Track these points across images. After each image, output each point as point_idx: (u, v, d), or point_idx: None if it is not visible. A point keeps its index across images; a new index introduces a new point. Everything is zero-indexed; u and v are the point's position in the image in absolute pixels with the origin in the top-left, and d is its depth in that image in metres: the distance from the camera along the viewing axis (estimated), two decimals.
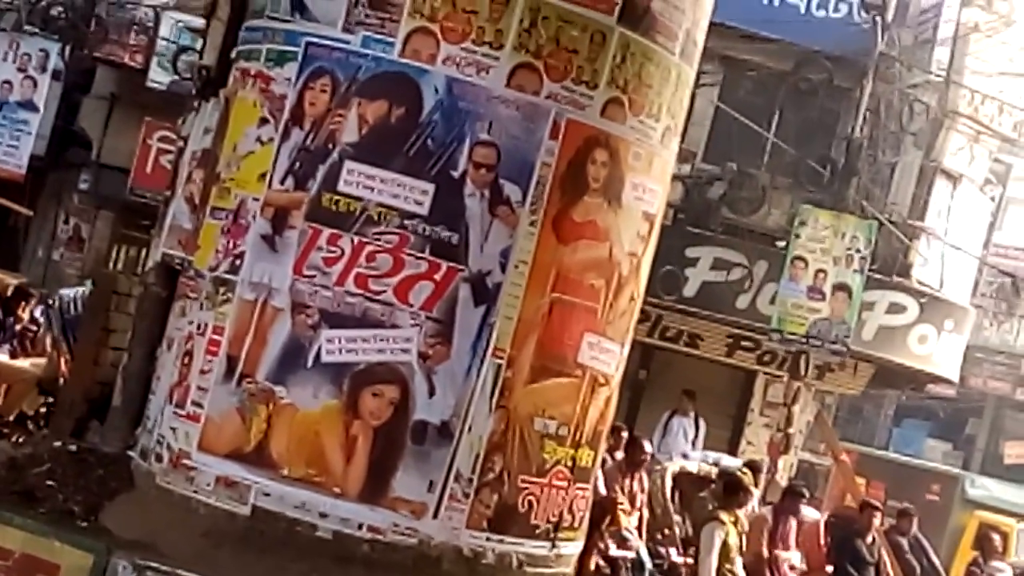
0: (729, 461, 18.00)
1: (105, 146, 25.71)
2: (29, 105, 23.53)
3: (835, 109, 23.15)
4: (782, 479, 20.77)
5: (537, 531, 9.07)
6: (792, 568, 15.44)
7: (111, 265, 25.91)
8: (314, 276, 8.64)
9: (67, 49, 24.62)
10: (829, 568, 15.87)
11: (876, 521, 16.33)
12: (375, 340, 8.57)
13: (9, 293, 16.04)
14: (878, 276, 22.10)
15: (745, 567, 13.69)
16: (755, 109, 22.80)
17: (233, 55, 9.64)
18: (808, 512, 16.75)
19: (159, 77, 24.24)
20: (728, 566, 12.69)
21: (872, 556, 16.06)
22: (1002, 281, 31.87)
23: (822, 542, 15.96)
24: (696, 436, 21.23)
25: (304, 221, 8.68)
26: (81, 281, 18.69)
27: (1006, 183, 28.09)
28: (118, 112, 25.63)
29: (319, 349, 8.60)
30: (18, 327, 15.50)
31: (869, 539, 16.06)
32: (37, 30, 24.19)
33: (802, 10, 23.08)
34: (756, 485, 16.28)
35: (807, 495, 16.31)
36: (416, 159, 8.58)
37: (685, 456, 18.43)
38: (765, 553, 14.62)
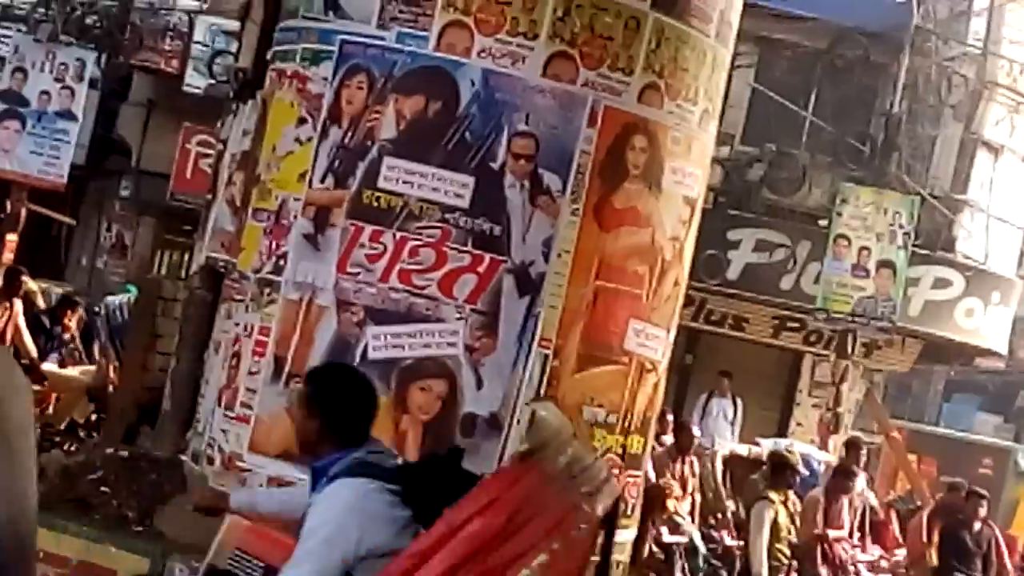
0: (821, 455, 18.06)
1: (144, 152, 25.81)
2: (67, 115, 23.61)
3: (872, 85, 23.03)
4: (832, 459, 20.71)
5: None
6: (844, 548, 15.41)
7: (155, 270, 26.01)
8: (358, 273, 8.65)
9: (103, 57, 24.69)
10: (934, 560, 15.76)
11: (983, 510, 15.96)
12: (421, 335, 8.57)
13: (55, 302, 16.15)
14: (922, 251, 22.00)
15: (801, 548, 13.66)
16: (792, 88, 22.71)
17: (269, 56, 9.66)
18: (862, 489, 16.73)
19: (195, 82, 24.31)
20: (778, 546, 12.66)
21: (980, 547, 15.79)
22: None
23: (924, 534, 15.86)
24: (735, 417, 21.20)
25: (346, 219, 8.69)
26: (124, 287, 18.76)
27: None
28: (156, 118, 25.72)
29: (365, 346, 8.61)
30: (66, 335, 15.60)
31: (976, 527, 15.77)
32: (73, 40, 24.26)
33: None
34: (857, 463, 16.22)
35: (857, 472, 16.25)
36: (455, 152, 8.58)
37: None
38: (819, 532, 14.59)
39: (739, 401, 21.26)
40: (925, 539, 16.20)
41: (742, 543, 13.74)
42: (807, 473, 16.62)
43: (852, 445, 16.48)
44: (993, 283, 23.28)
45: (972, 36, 23.40)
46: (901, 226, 21.07)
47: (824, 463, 17.69)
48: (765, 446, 16.65)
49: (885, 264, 21.02)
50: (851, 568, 15.24)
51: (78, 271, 26.58)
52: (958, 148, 23.39)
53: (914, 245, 21.31)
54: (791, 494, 12.86)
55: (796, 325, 23.02)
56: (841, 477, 15.70)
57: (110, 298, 15.39)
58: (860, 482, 16.05)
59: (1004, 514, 21.52)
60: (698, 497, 15.11)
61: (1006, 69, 23.38)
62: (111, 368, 13.94)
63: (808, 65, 22.97)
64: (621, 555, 9.53)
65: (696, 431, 15.61)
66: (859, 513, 15.82)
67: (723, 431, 20.22)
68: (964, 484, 17.67)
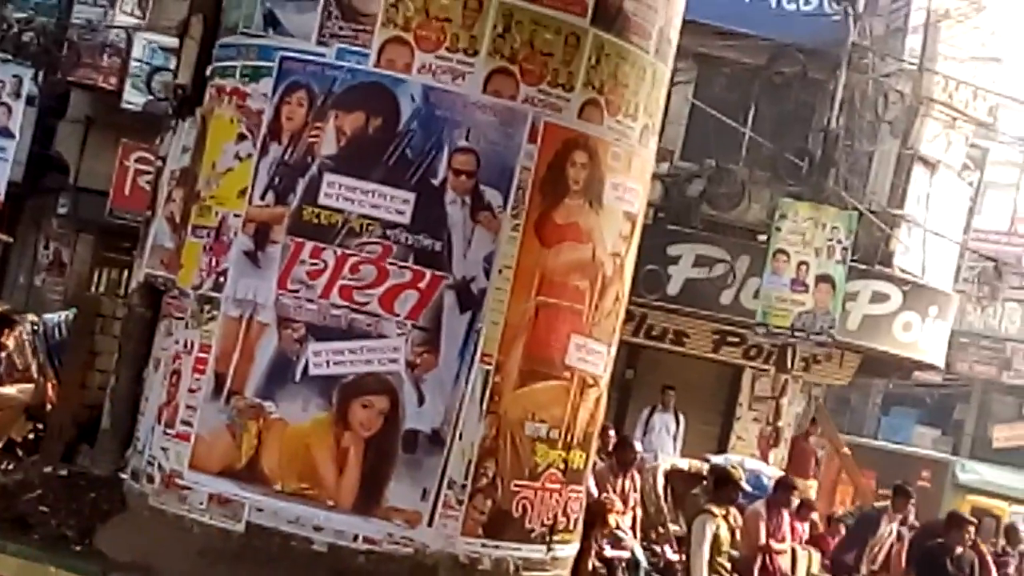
0: (770, 471, 18.14)
1: (82, 170, 25.64)
2: (4, 132, 23.47)
3: (810, 101, 23.23)
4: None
5: (532, 535, 9.07)
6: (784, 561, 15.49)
7: (93, 288, 25.82)
8: (298, 290, 8.63)
9: (40, 74, 24.55)
10: None
11: (968, 536, 15.43)
12: (362, 351, 8.57)
13: None
14: (860, 266, 22.19)
15: (742, 562, 13.71)
16: (730, 105, 22.87)
17: (208, 73, 9.63)
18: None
19: (134, 98, 24.16)
20: (719, 559, 12.69)
21: (962, 570, 15.34)
22: (984, 266, 31.86)
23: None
24: (677, 431, 21.28)
25: (286, 235, 8.67)
26: (66, 307, 18.62)
27: (983, 168, 28.20)
28: (94, 135, 25.57)
29: (307, 363, 8.59)
30: (2, 354, 15.45)
31: (958, 551, 15.30)
32: (10, 56, 24.13)
33: (773, 4, 23.16)
34: (901, 510, 16.49)
35: (798, 487, 16.33)
36: (396, 169, 8.58)
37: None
38: (762, 544, 14.65)
39: (681, 416, 21.34)
40: (904, 564, 16.24)
41: (683, 557, 13.76)
42: (752, 489, 16.70)
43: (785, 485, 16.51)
44: (930, 297, 23.49)
45: (908, 52, 23.63)
46: (839, 241, 21.25)
47: (772, 478, 17.76)
48: (716, 461, 16.72)
49: (824, 279, 21.19)
50: None
51: (15, 289, 26.38)
52: (895, 163, 23.61)
53: (852, 260, 21.50)
54: (732, 509, 12.90)
55: (736, 340, 23.16)
56: (783, 491, 15.77)
57: (48, 316, 15.25)
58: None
59: None
60: (639, 512, 15.13)
61: (942, 85, 23.62)
62: (49, 386, 13.82)
63: (746, 81, 23.14)
64: (563, 570, 9.54)
65: (638, 446, 15.63)
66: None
67: (666, 446, 20.30)
68: (911, 489, 17.78)
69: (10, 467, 11.88)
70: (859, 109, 22.93)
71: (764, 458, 21.70)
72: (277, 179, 8.74)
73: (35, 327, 15.07)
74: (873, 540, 16.60)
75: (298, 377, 8.58)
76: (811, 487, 22.13)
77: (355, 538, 8.58)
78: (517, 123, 8.66)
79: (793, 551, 15.77)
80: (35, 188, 25.98)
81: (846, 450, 23.53)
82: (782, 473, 18.69)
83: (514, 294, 8.73)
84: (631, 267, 9.64)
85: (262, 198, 8.79)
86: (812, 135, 23.09)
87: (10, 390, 14.70)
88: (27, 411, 14.10)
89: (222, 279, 8.86)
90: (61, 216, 26.29)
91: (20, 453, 13.77)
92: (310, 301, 8.61)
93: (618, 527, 14.27)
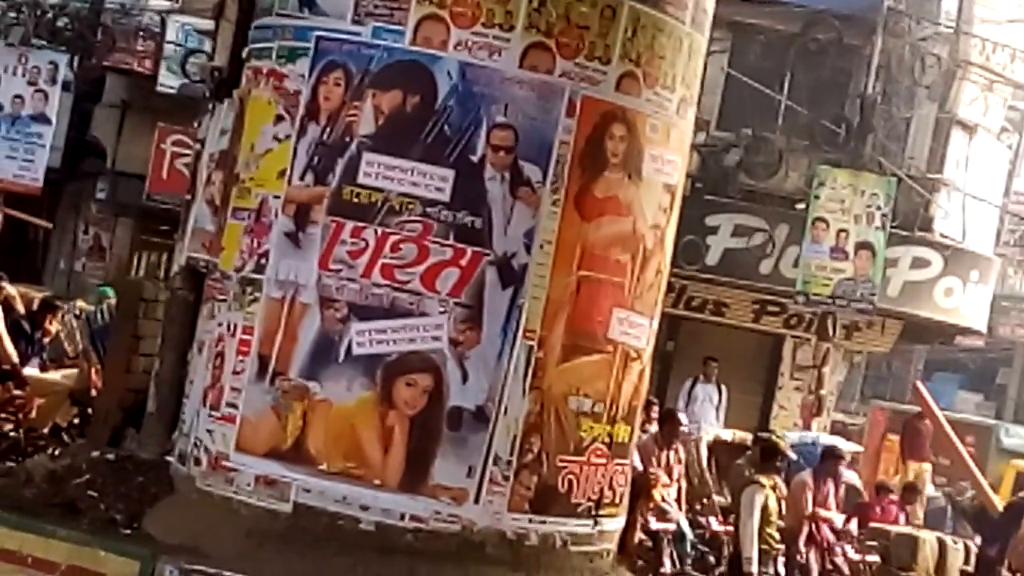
0: (828, 439, 18.14)
1: (120, 154, 25.76)
2: (42, 118, 23.57)
3: (846, 68, 23.09)
4: None
5: (579, 509, 9.07)
6: (833, 529, 15.48)
7: (133, 272, 25.96)
8: (340, 270, 8.64)
9: (75, 60, 24.64)
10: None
11: None
12: (405, 330, 8.57)
13: (35, 307, 16.09)
14: (900, 232, 22.08)
15: (788, 531, 13.70)
16: (766, 73, 22.75)
17: (244, 55, 9.63)
18: (847, 475, 16.81)
19: (169, 81, 24.26)
20: (768, 530, 12.69)
21: None
22: None
23: None
24: (720, 402, 21.27)
25: (326, 216, 8.68)
26: (99, 290, 18.71)
27: (1022, 130, 27.96)
28: (130, 119, 25.68)
29: (350, 342, 8.60)
30: (46, 340, 15.56)
31: None
32: (45, 43, 24.23)
33: None
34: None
35: (845, 457, 16.31)
36: (434, 146, 8.57)
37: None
38: (804, 520, 14.65)
39: (723, 387, 21.32)
40: None
41: (729, 528, 13.78)
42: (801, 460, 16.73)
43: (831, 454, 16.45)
44: (971, 262, 23.37)
45: (944, 16, 23.47)
46: (878, 207, 21.15)
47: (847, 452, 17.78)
48: (789, 438, 16.74)
49: (863, 246, 21.10)
50: (837, 549, 15.31)
51: (57, 274, 26.53)
52: (933, 128, 23.47)
53: (892, 226, 21.39)
54: (779, 479, 12.89)
55: (776, 309, 23.09)
56: (831, 460, 15.78)
57: (89, 304, 15.37)
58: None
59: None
60: (684, 484, 15.14)
61: (979, 48, 23.45)
62: (93, 371, 13.91)
63: (781, 49, 23.00)
64: (610, 544, 9.55)
65: (683, 418, 15.63)
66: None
67: (709, 416, 20.29)
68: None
69: (57, 452, 11.97)
70: (895, 74, 22.79)
71: (807, 427, 21.67)
72: (316, 159, 8.74)
73: (78, 313, 15.19)
74: (1021, 532, 16.31)
75: (342, 357, 8.59)
76: (926, 470, 22.09)
77: (402, 516, 8.59)
78: (555, 97, 8.64)
79: (941, 543, 15.70)
80: (73, 173, 26.12)
81: (947, 427, 23.35)
82: (857, 448, 18.71)
83: (555, 269, 8.72)
84: (672, 239, 9.62)
85: (301, 179, 8.80)
86: (849, 101, 22.97)
87: (55, 375, 14.85)
88: (71, 396, 14.23)
89: (264, 261, 8.87)
90: (100, 201, 26.41)
91: (66, 438, 13.90)
92: (352, 281, 8.62)
93: (663, 500, 14.30)
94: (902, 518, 17.06)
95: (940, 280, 22.71)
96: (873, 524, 16.57)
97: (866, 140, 22.01)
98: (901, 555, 15.63)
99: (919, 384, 25.10)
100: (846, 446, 18.51)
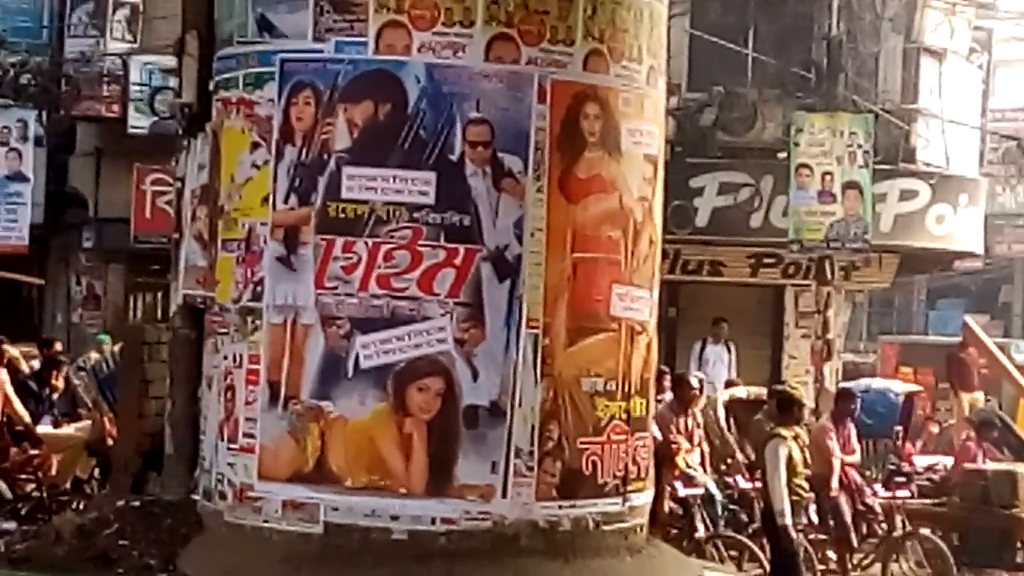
0: (899, 386, 18.10)
1: (101, 200, 25.71)
2: (19, 177, 23.57)
3: (808, 12, 23.06)
4: (830, 386, 20.83)
5: (606, 489, 9.11)
6: (859, 471, 15.50)
7: (130, 316, 25.95)
8: (337, 286, 8.66)
9: (44, 114, 24.62)
10: None
11: None
12: (410, 336, 8.59)
13: (39, 364, 16.13)
14: (884, 167, 22.07)
15: (816, 478, 13.72)
16: (729, 29, 22.72)
17: (212, 87, 9.64)
18: None
19: (139, 122, 24.17)
20: (797, 481, 12.70)
21: None
22: (1006, 146, 31.79)
23: None
24: (730, 361, 21.32)
25: (316, 235, 8.70)
26: (96, 339, 18.76)
27: (990, 49, 27.96)
28: (106, 165, 25.62)
29: (357, 357, 8.62)
30: (55, 396, 15.59)
31: None
32: (11, 101, 24.20)
33: None
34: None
35: (858, 396, 16.33)
36: (412, 151, 8.58)
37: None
38: (834, 460, 14.69)
39: (732, 346, 21.35)
40: None
41: (757, 484, 13.79)
42: (881, 408, 16.76)
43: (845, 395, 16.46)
44: (959, 186, 23.39)
45: None
46: (859, 145, 21.14)
47: (903, 393, 17.74)
48: (858, 386, 16.77)
49: (850, 185, 21.10)
50: (867, 490, 15.34)
51: (54, 328, 26.45)
52: (902, 59, 23.44)
53: (875, 162, 21.38)
54: (799, 429, 12.90)
55: (772, 260, 23.09)
56: (844, 401, 15.81)
57: (93, 354, 15.39)
58: None
59: (1006, 411, 21.57)
60: (706, 447, 15.16)
61: None
62: (106, 421, 13.93)
63: (741, 3, 22.99)
64: (642, 518, 9.57)
65: (694, 381, 15.64)
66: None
67: (722, 377, 20.28)
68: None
69: (83, 506, 12.00)
70: (858, 11, 22.77)
71: (819, 372, 21.72)
72: (297, 181, 8.76)
73: (82, 365, 15.21)
74: None
75: (351, 372, 8.62)
76: (978, 400, 22.08)
77: (433, 521, 8.63)
78: (524, 86, 8.66)
79: None
80: (57, 226, 26.08)
81: (999, 355, 23.35)
82: (915, 387, 18.66)
83: (549, 255, 8.74)
84: (660, 209, 9.64)
85: (285, 202, 8.81)
86: (815, 45, 22.94)
87: (68, 430, 14.88)
88: (88, 448, 14.26)
89: (260, 288, 8.89)
90: (87, 250, 26.37)
91: (89, 491, 13.93)
92: (350, 295, 8.64)
93: (688, 465, 14.35)
94: (979, 455, 16.90)
95: (930, 208, 22.71)
96: (967, 465, 16.48)
97: (837, 81, 22.00)
98: (1002, 492, 15.56)
99: (968, 319, 25.18)
100: (904, 387, 18.46)
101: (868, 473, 16.27)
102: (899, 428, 17.69)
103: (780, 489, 12.25)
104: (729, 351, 21.35)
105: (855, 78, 22.43)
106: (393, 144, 8.59)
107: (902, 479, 15.98)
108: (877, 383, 18.59)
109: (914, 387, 19.02)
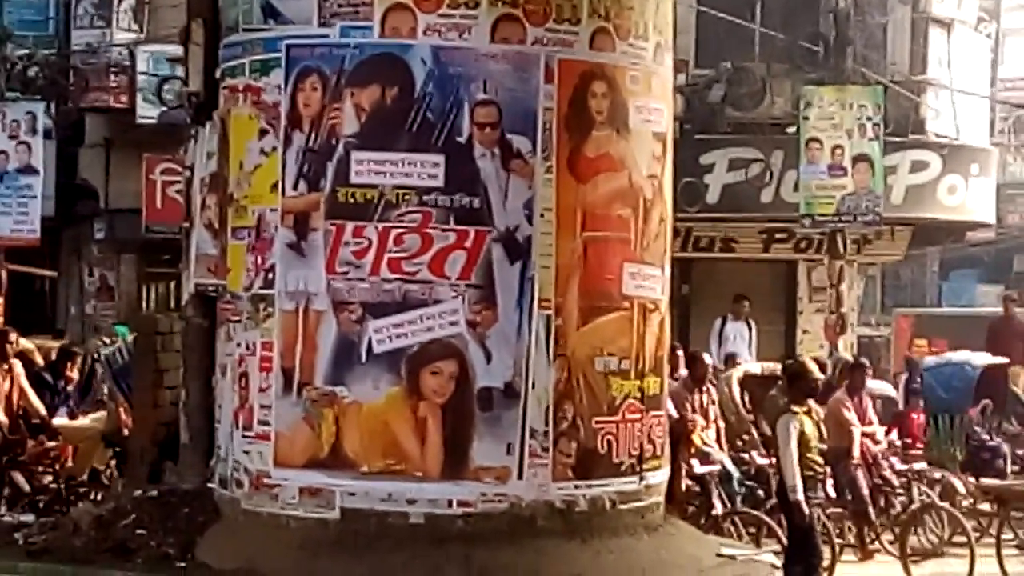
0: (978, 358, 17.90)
1: (111, 191, 25.70)
2: (28, 170, 23.53)
3: None
4: (845, 355, 20.80)
5: (622, 467, 9.11)
6: (876, 442, 15.49)
7: (144, 306, 25.97)
8: (348, 271, 8.66)
9: (52, 106, 24.60)
10: None
11: None
12: (422, 320, 8.59)
13: (54, 356, 16.14)
14: (894, 138, 22.00)
15: (832, 452, 13.69)
16: (736, 3, 22.62)
17: (218, 75, 9.63)
18: (875, 384, 16.82)
19: (147, 112, 24.14)
20: (810, 456, 12.67)
21: None
22: (1017, 115, 31.68)
23: None
24: (750, 338, 21.27)
25: (325, 220, 8.70)
26: (113, 330, 18.75)
27: (998, 17, 27.88)
28: (116, 155, 25.61)
29: (369, 341, 8.63)
30: (70, 388, 15.61)
31: None
32: (19, 94, 24.19)
33: None
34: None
35: (869, 365, 16.32)
36: (420, 134, 8.58)
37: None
38: (854, 430, 14.68)
39: (752, 323, 21.32)
40: None
41: (773, 460, 13.77)
42: (957, 383, 16.63)
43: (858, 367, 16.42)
44: (970, 156, 23.33)
45: None
46: (869, 118, 21.06)
47: (981, 367, 17.59)
48: (928, 362, 16.64)
49: (860, 158, 21.02)
50: (884, 463, 15.33)
51: (69, 320, 26.52)
52: (910, 30, 23.37)
53: (885, 134, 21.30)
54: (812, 403, 12.86)
55: (784, 235, 23.05)
56: (857, 372, 15.80)
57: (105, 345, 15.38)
58: None
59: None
60: (721, 423, 15.15)
61: None
62: (121, 411, 13.94)
63: None
64: (658, 496, 9.57)
65: (708, 359, 15.63)
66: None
67: (743, 354, 20.23)
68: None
69: (100, 497, 12.01)
70: None
71: (833, 347, 21.67)
72: (306, 167, 8.76)
73: (96, 356, 15.22)
74: None
75: (364, 357, 8.63)
76: (1021, 372, 21.80)
77: (449, 504, 8.64)
78: (531, 66, 8.65)
79: None
80: (69, 218, 26.09)
81: None
82: (998, 359, 18.45)
83: (560, 235, 8.74)
84: (670, 186, 9.62)
85: (295, 188, 8.82)
86: (822, 18, 22.85)
87: (84, 421, 14.88)
88: (104, 439, 14.27)
89: (271, 275, 8.90)
90: (99, 241, 26.38)
91: (106, 481, 13.95)
92: (361, 280, 8.64)
93: (704, 443, 14.34)
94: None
95: (941, 179, 22.65)
96: None
97: (845, 54, 21.90)
98: None
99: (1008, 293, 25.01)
100: (983, 359, 18.12)
101: (946, 450, 16.13)
102: (987, 401, 17.37)
103: (792, 465, 12.20)
104: (750, 328, 21.27)
105: (863, 50, 22.35)
106: (401, 128, 8.59)
107: (987, 456, 15.88)
108: (957, 356, 18.31)
109: (997, 359, 18.64)
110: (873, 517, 14.84)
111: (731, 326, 21.17)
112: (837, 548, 13.89)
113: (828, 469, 13.46)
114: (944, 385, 16.56)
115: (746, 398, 15.96)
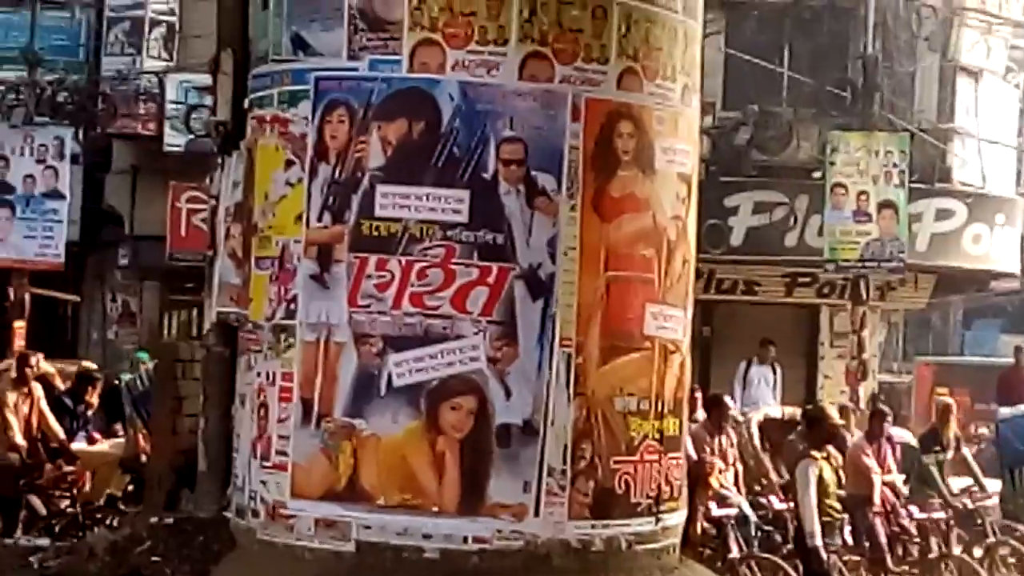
0: None
1: (136, 218, 25.86)
2: (55, 194, 23.71)
3: (843, 30, 23.08)
4: (866, 406, 20.73)
5: (639, 508, 9.05)
6: (895, 491, 15.43)
7: (165, 333, 26.07)
8: (370, 304, 8.64)
9: (80, 132, 24.77)
10: None
11: None
12: (442, 355, 8.56)
13: (75, 381, 16.19)
14: (920, 186, 22.04)
15: (851, 499, 13.66)
16: (764, 47, 22.75)
17: (246, 105, 9.65)
18: (896, 432, 16.75)
19: (175, 140, 24.33)
20: (828, 501, 12.66)
21: None
22: None
23: None
24: (775, 382, 21.24)
25: (349, 253, 8.68)
26: (136, 355, 18.82)
27: None
28: (142, 182, 25.77)
29: (389, 375, 8.59)
30: (89, 412, 15.66)
31: None
32: (48, 119, 24.36)
33: None
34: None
35: (890, 413, 16.26)
36: (446, 169, 8.57)
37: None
38: (874, 476, 14.63)
39: (778, 367, 21.27)
40: None
41: (791, 505, 13.74)
42: None
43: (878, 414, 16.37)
44: (995, 206, 23.33)
45: None
46: (895, 164, 21.13)
47: None
48: (1003, 413, 16.51)
49: (885, 205, 21.07)
50: (902, 511, 15.27)
51: (91, 346, 26.63)
52: (938, 78, 23.45)
53: (911, 181, 21.36)
54: (832, 449, 12.84)
55: (807, 280, 23.07)
56: (876, 420, 15.75)
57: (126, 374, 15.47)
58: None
59: None
60: (740, 467, 15.13)
61: None
62: (140, 437, 13.99)
63: (776, 21, 23.01)
64: (674, 538, 9.54)
65: (729, 401, 15.61)
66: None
67: (766, 398, 20.23)
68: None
69: (116, 523, 12.03)
70: (893, 29, 22.76)
71: (854, 392, 21.62)
72: (331, 199, 8.75)
73: (116, 382, 15.29)
74: None
75: (383, 390, 8.59)
76: None
77: (465, 540, 8.59)
78: (558, 104, 8.63)
79: None
80: (93, 244, 26.25)
81: None
82: None
83: (583, 274, 8.71)
84: (694, 228, 9.60)
85: (319, 220, 8.81)
86: (851, 64, 22.93)
87: (103, 446, 14.94)
88: (122, 465, 14.32)
89: (293, 306, 8.88)
90: (123, 267, 26.52)
91: (122, 507, 13.98)
92: (383, 314, 8.62)
93: (722, 486, 14.31)
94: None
95: (966, 228, 22.66)
96: None
97: (873, 100, 21.96)
98: None
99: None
100: None
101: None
102: None
103: (810, 510, 12.21)
104: (775, 372, 21.24)
105: (891, 97, 22.41)
106: (427, 162, 8.58)
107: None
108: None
109: None
110: (891, 565, 14.77)
111: (756, 370, 21.16)
112: None
113: (846, 516, 13.44)
114: (1022, 437, 16.38)
115: (766, 442, 15.93)
